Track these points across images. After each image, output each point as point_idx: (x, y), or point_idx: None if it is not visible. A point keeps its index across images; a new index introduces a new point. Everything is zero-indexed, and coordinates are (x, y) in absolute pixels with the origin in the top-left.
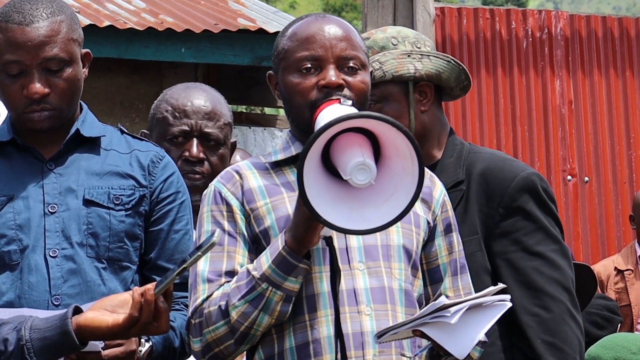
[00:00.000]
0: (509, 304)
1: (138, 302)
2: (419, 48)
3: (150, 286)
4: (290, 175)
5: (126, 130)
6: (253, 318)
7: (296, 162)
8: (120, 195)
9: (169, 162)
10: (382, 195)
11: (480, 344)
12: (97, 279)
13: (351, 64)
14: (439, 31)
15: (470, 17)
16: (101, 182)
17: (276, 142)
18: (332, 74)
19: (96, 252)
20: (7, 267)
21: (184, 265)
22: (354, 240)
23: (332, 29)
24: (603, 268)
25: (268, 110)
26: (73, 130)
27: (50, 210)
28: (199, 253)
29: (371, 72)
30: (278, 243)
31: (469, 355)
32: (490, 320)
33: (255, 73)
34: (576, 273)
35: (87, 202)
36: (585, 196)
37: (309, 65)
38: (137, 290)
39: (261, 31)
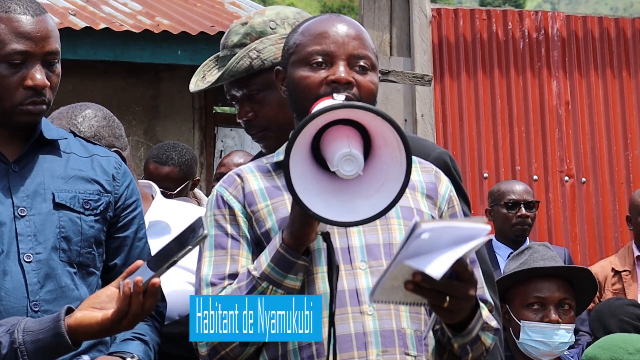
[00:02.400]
0: (491, 236)
1: (128, 295)
2: None
3: (140, 277)
4: None
5: (77, 133)
6: None
7: None
8: (89, 200)
9: (127, 169)
10: (372, 186)
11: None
12: (71, 283)
13: (362, 63)
14: (435, 32)
15: (466, 18)
16: (67, 185)
17: None
18: (342, 70)
19: (68, 257)
20: None
21: (174, 259)
22: (355, 239)
23: (346, 27)
24: (600, 269)
25: None
26: (39, 131)
27: (20, 213)
28: (190, 246)
29: (250, 62)
30: (276, 241)
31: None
32: (467, 243)
33: None
34: (576, 276)
35: (58, 206)
36: (582, 197)
37: (320, 60)
38: (127, 283)
39: None
